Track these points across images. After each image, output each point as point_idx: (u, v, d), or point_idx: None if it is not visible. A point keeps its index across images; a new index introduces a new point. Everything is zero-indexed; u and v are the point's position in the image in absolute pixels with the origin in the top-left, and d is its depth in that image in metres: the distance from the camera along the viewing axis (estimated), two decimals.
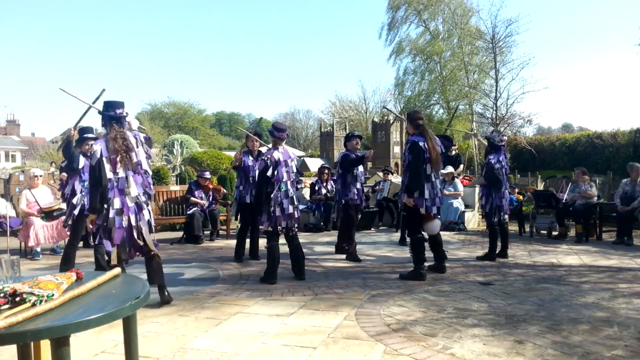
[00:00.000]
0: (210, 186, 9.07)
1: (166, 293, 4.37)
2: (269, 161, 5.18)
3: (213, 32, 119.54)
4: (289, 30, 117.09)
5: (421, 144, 5.30)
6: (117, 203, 4.07)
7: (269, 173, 5.15)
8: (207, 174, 9.14)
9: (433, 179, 5.41)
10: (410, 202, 5.35)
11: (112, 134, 4.12)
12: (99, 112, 4.29)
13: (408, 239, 7.55)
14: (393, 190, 10.26)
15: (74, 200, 5.57)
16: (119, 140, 4.09)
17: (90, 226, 4.46)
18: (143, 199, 4.23)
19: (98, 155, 4.06)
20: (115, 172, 4.08)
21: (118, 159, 4.07)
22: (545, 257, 6.76)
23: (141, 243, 4.20)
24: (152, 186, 4.41)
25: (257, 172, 6.47)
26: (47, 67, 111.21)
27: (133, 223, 4.13)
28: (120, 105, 4.23)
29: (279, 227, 5.22)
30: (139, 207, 4.19)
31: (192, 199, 8.73)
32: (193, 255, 7.14)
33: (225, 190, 9.68)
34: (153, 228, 4.36)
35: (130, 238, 4.16)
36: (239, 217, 7.00)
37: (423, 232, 5.57)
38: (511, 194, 9.59)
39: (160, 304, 4.32)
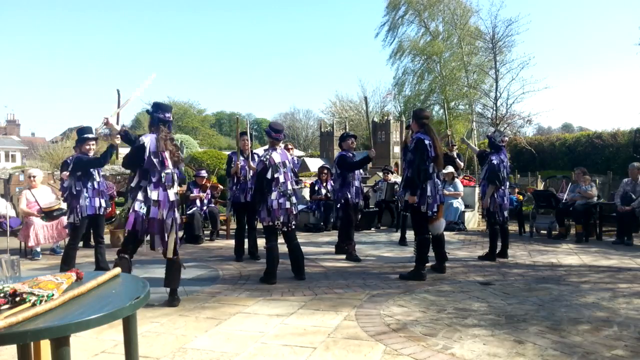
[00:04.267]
0: (208, 184, 9.14)
1: (176, 297, 4.41)
2: (267, 162, 5.18)
3: (213, 32, 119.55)
4: (289, 30, 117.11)
5: (427, 142, 5.30)
6: (155, 195, 4.18)
7: (269, 175, 5.15)
8: (203, 173, 9.20)
9: (434, 178, 5.42)
10: (413, 200, 5.33)
11: (162, 134, 4.26)
12: (148, 112, 4.45)
13: (408, 239, 7.61)
14: (390, 192, 10.25)
15: (81, 202, 5.50)
16: (169, 141, 4.28)
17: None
18: (176, 198, 4.37)
19: (148, 147, 4.17)
20: (164, 167, 4.22)
21: (168, 155, 4.23)
22: (545, 257, 6.76)
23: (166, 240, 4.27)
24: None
25: (248, 172, 6.49)
26: (47, 67, 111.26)
27: (164, 218, 4.22)
28: (169, 109, 4.44)
29: (277, 222, 5.22)
30: (173, 206, 4.31)
31: (192, 195, 8.79)
32: (193, 255, 7.14)
33: (222, 187, 9.74)
34: (179, 231, 4.45)
35: (160, 232, 4.23)
36: (234, 217, 7.07)
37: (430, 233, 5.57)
38: (511, 194, 9.60)
39: (164, 304, 4.34)
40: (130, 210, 4.23)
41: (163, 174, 4.23)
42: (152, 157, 4.18)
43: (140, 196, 4.19)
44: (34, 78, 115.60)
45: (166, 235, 4.26)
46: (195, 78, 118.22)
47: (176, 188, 4.40)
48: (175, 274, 4.39)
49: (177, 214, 4.39)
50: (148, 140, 4.21)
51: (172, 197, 4.29)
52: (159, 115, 4.32)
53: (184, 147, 21.23)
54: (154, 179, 4.20)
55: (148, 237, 4.36)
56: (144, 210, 4.17)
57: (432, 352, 3.20)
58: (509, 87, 21.30)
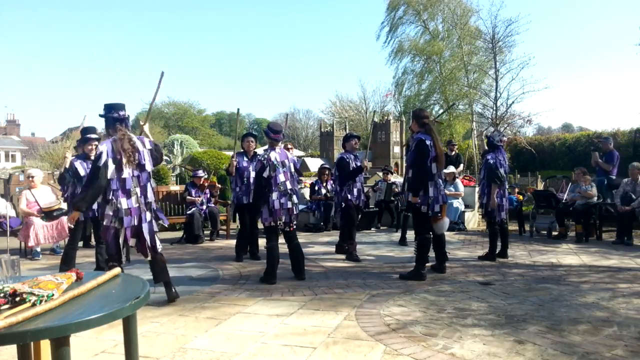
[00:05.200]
0: (206, 184, 9.14)
1: (173, 290, 4.39)
2: (265, 162, 5.19)
3: (213, 32, 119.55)
4: (290, 30, 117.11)
5: (428, 142, 5.30)
6: (124, 204, 4.08)
7: (266, 174, 5.15)
8: (200, 172, 9.19)
9: (436, 178, 5.42)
10: (416, 200, 5.34)
11: (119, 134, 4.12)
12: (101, 115, 4.29)
13: (409, 239, 7.61)
14: (389, 192, 10.28)
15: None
16: (126, 141, 4.11)
17: (70, 225, 5.03)
18: (148, 199, 4.26)
19: (104, 157, 4.03)
20: (120, 173, 4.08)
21: (124, 161, 4.07)
22: (545, 257, 6.76)
23: (145, 242, 4.21)
24: (152, 186, 4.44)
25: (252, 173, 6.48)
26: (47, 67, 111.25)
27: (135, 223, 4.15)
28: (122, 107, 4.26)
29: (279, 222, 5.23)
30: (143, 208, 4.22)
31: (188, 197, 8.79)
32: (193, 255, 7.14)
33: (220, 185, 9.72)
34: (156, 228, 4.37)
35: (131, 238, 4.18)
36: (237, 218, 7.05)
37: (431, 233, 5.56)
38: (511, 194, 9.61)
39: (167, 301, 4.35)
40: (103, 225, 4.14)
41: (120, 180, 4.08)
42: (110, 164, 4.04)
43: (108, 210, 4.08)
44: (34, 78, 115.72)
45: (147, 239, 4.20)
46: (195, 78, 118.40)
47: (143, 191, 4.20)
48: (161, 268, 4.31)
49: (149, 215, 4.24)
50: (104, 147, 4.07)
51: (134, 203, 4.13)
52: (113, 116, 4.18)
53: (184, 147, 21.27)
54: (119, 187, 4.08)
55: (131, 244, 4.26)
56: (115, 224, 4.07)
57: (432, 352, 3.20)
58: (509, 87, 21.34)
